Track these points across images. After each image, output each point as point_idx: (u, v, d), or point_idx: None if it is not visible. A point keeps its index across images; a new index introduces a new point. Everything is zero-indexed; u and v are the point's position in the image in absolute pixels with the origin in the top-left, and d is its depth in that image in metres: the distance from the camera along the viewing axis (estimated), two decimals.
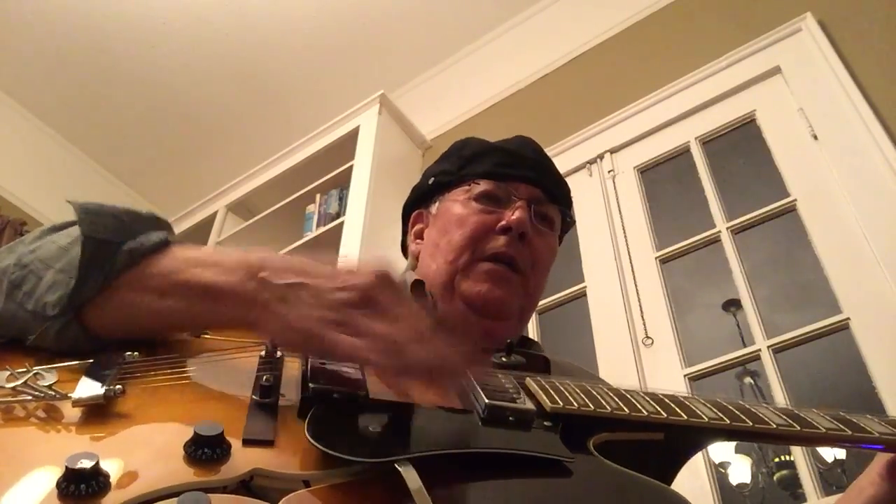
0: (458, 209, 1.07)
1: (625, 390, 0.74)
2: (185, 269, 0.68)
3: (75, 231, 0.72)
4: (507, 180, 1.08)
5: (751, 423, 0.71)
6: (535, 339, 1.13)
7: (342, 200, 3.35)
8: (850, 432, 0.75)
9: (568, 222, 1.15)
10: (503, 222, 1.03)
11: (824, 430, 0.74)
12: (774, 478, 4.15)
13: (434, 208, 1.13)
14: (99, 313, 0.68)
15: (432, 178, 1.15)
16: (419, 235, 1.14)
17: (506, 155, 1.12)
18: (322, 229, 3.30)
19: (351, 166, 3.34)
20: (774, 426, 0.72)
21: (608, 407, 0.68)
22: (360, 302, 0.63)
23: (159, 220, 0.76)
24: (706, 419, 0.70)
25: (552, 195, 1.11)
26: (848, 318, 2.01)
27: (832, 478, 3.74)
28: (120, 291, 0.68)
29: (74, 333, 0.67)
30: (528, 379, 0.73)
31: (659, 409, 0.70)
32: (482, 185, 1.07)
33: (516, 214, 1.02)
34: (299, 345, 0.65)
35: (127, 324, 0.69)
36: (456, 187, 1.10)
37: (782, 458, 4.10)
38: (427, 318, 0.65)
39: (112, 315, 0.68)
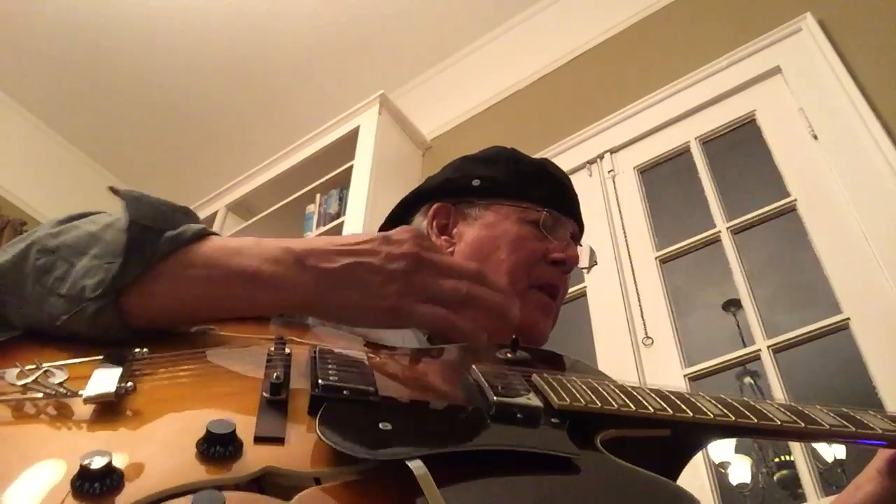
0: (513, 228, 1.08)
1: (631, 387, 0.75)
2: (229, 257, 0.70)
3: (101, 219, 0.73)
4: (562, 213, 1.12)
5: (755, 420, 0.71)
6: None
7: (342, 200, 3.35)
8: (853, 428, 0.75)
9: None
10: (560, 255, 1.08)
11: (828, 427, 0.74)
12: (774, 478, 4.16)
13: (473, 211, 1.12)
14: (137, 300, 0.68)
15: (478, 180, 1.13)
16: (444, 231, 1.13)
17: (560, 186, 1.16)
18: (322, 229, 3.31)
19: (351, 166, 3.34)
20: (779, 423, 0.72)
21: (615, 404, 0.68)
22: (415, 265, 0.70)
23: (191, 211, 0.77)
24: (712, 416, 0.70)
25: (581, 234, 1.18)
26: (848, 318, 2.02)
27: (832, 478, 3.76)
28: (158, 279, 0.69)
29: (109, 318, 0.67)
30: (534, 375, 0.74)
31: (665, 405, 0.70)
32: (542, 213, 1.09)
33: (571, 252, 1.09)
34: (390, 323, 0.71)
35: (163, 311, 0.70)
36: (509, 201, 1.11)
37: (782, 458, 4.11)
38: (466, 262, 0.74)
39: (148, 302, 0.69)
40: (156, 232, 0.69)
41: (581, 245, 1.17)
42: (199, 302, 0.70)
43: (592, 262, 1.17)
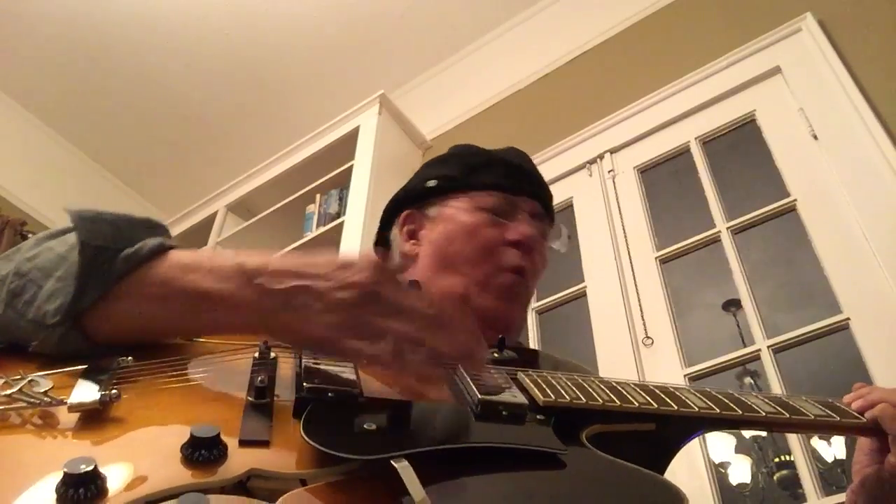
0: (465, 218, 1.08)
1: (616, 382, 0.76)
2: (182, 275, 0.68)
3: (72, 238, 0.72)
4: (514, 193, 1.10)
5: (740, 412, 0.73)
6: (533, 340, 1.15)
7: (342, 200, 3.35)
8: (838, 418, 0.77)
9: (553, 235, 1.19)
10: (515, 236, 1.05)
11: (812, 417, 0.75)
12: (774, 478, 4.16)
13: (432, 211, 1.13)
14: (98, 320, 0.69)
15: (433, 181, 1.15)
16: (412, 236, 1.15)
17: (511, 168, 1.14)
18: (322, 229, 3.30)
19: (351, 166, 3.34)
20: (763, 414, 0.73)
21: (600, 399, 0.69)
22: (364, 299, 0.63)
23: (155, 224, 0.76)
24: (696, 409, 0.71)
25: (548, 210, 1.15)
26: (848, 319, 2.01)
27: (832, 478, 3.75)
28: (118, 299, 0.69)
29: (75, 340, 0.68)
30: (520, 374, 0.74)
31: (649, 399, 0.71)
32: (492, 198, 1.09)
33: (527, 229, 1.06)
34: (318, 351, 0.66)
35: (126, 330, 0.70)
36: (460, 194, 1.11)
37: (782, 458, 4.11)
38: (432, 303, 0.66)
39: (111, 322, 0.69)
40: (111, 251, 0.69)
41: (555, 227, 1.16)
42: (155, 321, 0.69)
43: (564, 242, 1.16)
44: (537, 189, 1.14)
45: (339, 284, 0.64)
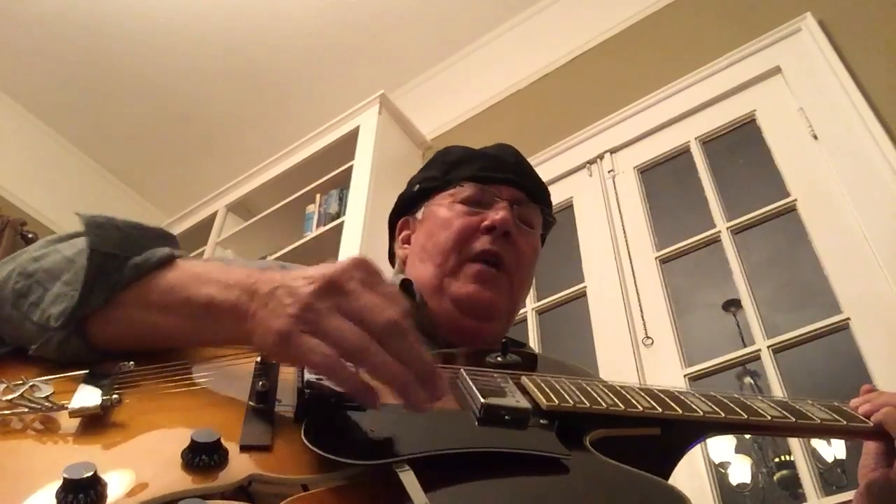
0: (443, 212, 1.09)
1: (620, 386, 0.75)
2: (188, 285, 0.67)
3: (81, 242, 0.72)
4: (489, 183, 1.11)
5: (745, 416, 0.72)
6: (533, 340, 1.14)
7: (342, 200, 3.35)
8: (844, 422, 0.76)
9: (549, 222, 1.18)
10: (487, 222, 1.05)
11: (819, 421, 0.75)
12: (774, 478, 4.15)
13: (420, 214, 1.15)
14: (101, 326, 0.69)
15: (417, 185, 1.18)
16: (406, 241, 1.17)
17: (488, 159, 1.15)
18: (322, 229, 3.30)
19: (351, 166, 3.34)
20: (769, 418, 0.73)
21: (604, 403, 0.68)
22: (326, 291, 0.59)
23: (166, 234, 0.76)
24: (701, 413, 0.71)
25: (533, 196, 1.14)
26: (848, 318, 2.01)
27: (832, 478, 3.75)
28: (123, 306, 0.69)
29: (76, 346, 0.68)
30: (523, 378, 0.74)
31: (654, 404, 0.71)
32: (466, 189, 1.10)
33: (500, 214, 1.05)
34: (274, 350, 0.60)
35: (129, 337, 0.70)
36: (441, 192, 1.13)
37: (782, 458, 4.10)
38: (401, 302, 0.61)
39: (114, 328, 0.69)
40: (120, 259, 0.69)
41: (539, 206, 1.15)
42: (159, 330, 0.69)
43: (540, 224, 1.16)
44: (517, 176, 1.13)
45: (311, 279, 0.60)
